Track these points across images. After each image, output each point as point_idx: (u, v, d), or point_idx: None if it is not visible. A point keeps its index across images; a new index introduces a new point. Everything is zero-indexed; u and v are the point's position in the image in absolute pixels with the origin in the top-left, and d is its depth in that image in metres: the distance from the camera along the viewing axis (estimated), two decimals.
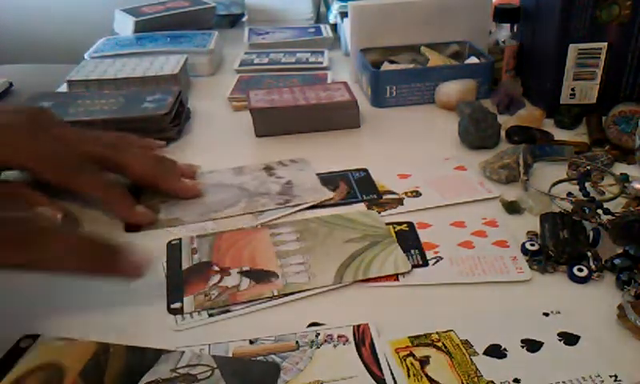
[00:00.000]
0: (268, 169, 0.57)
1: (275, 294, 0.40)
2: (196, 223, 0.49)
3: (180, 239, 0.46)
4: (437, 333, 0.36)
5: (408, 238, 0.45)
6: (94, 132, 0.50)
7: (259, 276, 0.41)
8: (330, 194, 0.52)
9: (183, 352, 0.35)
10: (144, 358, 0.34)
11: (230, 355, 0.34)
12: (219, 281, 0.41)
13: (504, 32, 0.74)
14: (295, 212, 0.50)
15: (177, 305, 0.39)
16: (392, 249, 0.44)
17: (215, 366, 0.33)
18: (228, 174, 0.57)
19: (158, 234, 0.47)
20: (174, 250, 0.45)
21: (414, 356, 0.34)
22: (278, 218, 0.49)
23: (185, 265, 0.43)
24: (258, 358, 0.34)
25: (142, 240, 0.46)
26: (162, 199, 0.52)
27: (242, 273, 0.42)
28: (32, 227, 0.36)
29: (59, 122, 0.48)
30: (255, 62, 0.90)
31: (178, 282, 0.41)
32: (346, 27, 0.88)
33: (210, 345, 0.35)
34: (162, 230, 0.48)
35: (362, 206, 0.50)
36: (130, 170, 0.51)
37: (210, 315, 0.38)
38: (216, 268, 0.43)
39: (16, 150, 0.43)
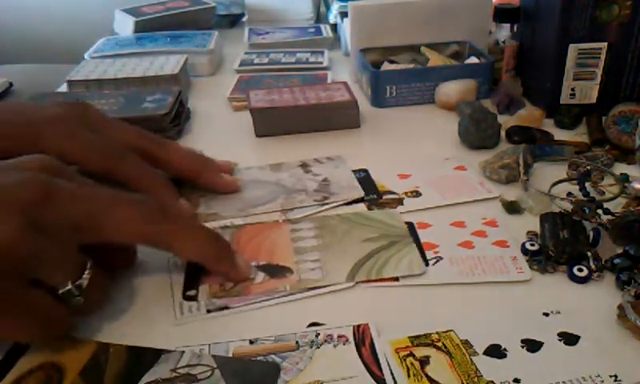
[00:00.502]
0: (304, 166, 0.57)
1: (287, 289, 0.40)
2: (234, 218, 0.49)
3: None
4: (437, 333, 0.36)
5: None
6: (135, 126, 0.50)
7: (274, 271, 0.42)
8: (362, 192, 0.52)
9: (183, 352, 0.35)
10: (144, 357, 0.34)
11: (230, 355, 0.34)
12: None
13: (504, 32, 0.74)
14: (332, 208, 0.50)
15: (192, 292, 0.39)
16: (408, 250, 0.43)
17: (215, 365, 0.33)
18: (265, 171, 0.57)
19: None
20: None
21: (413, 356, 0.34)
22: (314, 213, 0.49)
23: None
24: (258, 358, 0.34)
25: None
26: (201, 194, 0.52)
27: (259, 266, 0.42)
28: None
29: (101, 115, 0.49)
30: (255, 61, 0.90)
31: (197, 270, 0.41)
32: (346, 27, 0.88)
33: (209, 345, 0.35)
34: None
35: (362, 207, 0.50)
36: (170, 165, 0.51)
37: (208, 311, 0.38)
38: None
39: (64, 142, 0.43)
